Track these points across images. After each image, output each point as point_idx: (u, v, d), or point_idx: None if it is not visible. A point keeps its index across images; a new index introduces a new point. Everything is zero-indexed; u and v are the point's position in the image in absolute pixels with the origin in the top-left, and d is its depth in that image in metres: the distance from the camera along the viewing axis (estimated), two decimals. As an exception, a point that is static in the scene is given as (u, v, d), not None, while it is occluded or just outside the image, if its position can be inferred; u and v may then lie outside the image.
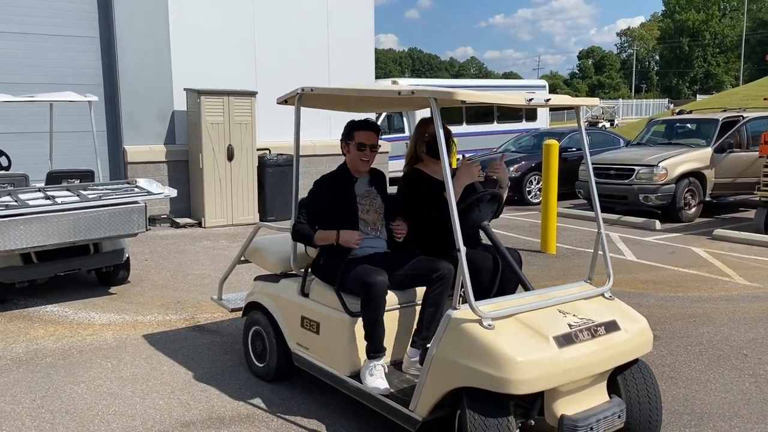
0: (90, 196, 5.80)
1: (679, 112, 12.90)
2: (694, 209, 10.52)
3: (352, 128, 3.82)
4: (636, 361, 3.28)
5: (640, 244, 8.72)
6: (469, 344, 2.89)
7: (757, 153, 9.67)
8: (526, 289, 3.42)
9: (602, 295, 3.43)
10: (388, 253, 3.79)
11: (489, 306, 3.05)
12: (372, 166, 3.92)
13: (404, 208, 3.84)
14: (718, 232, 9.09)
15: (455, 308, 3.02)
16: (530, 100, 3.21)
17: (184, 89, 10.23)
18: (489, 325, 2.91)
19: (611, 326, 3.18)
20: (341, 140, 3.88)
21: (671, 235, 9.36)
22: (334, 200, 3.77)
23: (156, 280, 6.82)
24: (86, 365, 4.51)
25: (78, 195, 5.84)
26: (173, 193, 6.18)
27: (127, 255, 6.42)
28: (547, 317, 3.08)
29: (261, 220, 10.31)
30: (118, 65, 10.00)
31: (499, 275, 3.62)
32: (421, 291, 3.62)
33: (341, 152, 3.92)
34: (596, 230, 3.52)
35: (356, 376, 3.51)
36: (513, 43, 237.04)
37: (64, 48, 9.86)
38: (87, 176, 6.81)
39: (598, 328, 3.12)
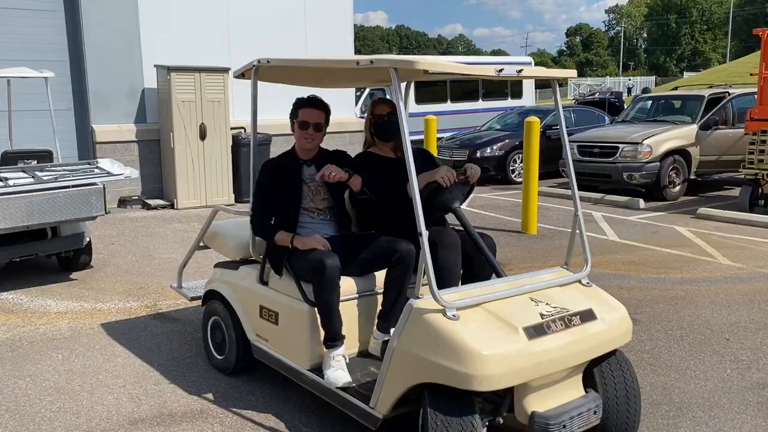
0: (45, 178, 5.48)
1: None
2: (678, 187, 10.35)
3: (296, 106, 3.52)
4: (614, 352, 3.07)
5: (623, 223, 8.53)
6: (431, 336, 2.66)
7: (743, 130, 9.49)
8: (499, 275, 3.19)
9: (579, 281, 3.21)
10: (342, 236, 3.53)
11: (454, 295, 2.82)
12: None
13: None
14: (703, 210, 8.93)
15: (418, 297, 2.79)
16: (500, 71, 2.95)
17: (154, 65, 9.83)
18: (453, 315, 2.68)
19: (587, 315, 2.96)
20: (289, 118, 3.58)
21: (655, 214, 9.18)
22: (280, 186, 3.49)
23: (120, 265, 6.53)
24: (35, 357, 4.24)
25: (33, 177, 5.52)
26: (135, 174, 5.87)
27: (88, 239, 6.11)
28: (517, 306, 2.86)
29: (236, 201, 10.03)
30: (84, 40, 9.55)
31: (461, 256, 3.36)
32: (381, 277, 3.38)
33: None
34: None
35: (317, 369, 3.29)
36: (502, 21, 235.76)
37: (25, 22, 9.35)
38: (45, 156, 6.48)
39: (573, 318, 2.90)
